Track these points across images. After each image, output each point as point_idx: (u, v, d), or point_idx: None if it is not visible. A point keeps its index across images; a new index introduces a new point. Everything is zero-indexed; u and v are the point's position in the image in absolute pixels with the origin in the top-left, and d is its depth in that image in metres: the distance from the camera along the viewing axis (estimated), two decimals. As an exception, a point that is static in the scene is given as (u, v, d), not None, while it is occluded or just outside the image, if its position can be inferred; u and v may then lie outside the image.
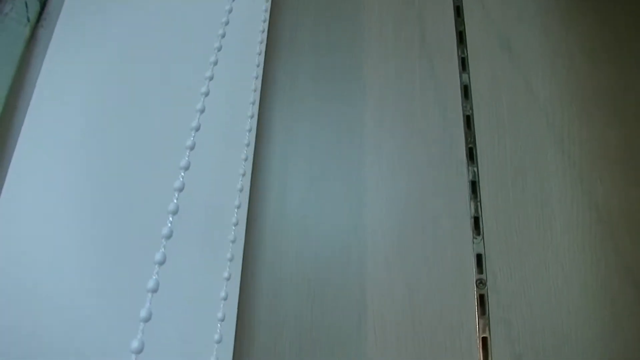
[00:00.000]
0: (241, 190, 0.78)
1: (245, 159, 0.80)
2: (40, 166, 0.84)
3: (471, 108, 0.84)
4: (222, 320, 0.69)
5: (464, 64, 0.88)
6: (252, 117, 0.86)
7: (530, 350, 0.72)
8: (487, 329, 0.73)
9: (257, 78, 0.89)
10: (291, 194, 0.86)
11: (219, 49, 0.73)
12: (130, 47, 0.95)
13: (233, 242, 0.74)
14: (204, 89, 0.66)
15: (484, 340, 0.73)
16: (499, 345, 0.72)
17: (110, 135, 0.87)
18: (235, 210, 0.76)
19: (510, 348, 0.72)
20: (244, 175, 0.80)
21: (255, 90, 0.87)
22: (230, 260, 0.73)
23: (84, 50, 0.94)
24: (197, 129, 0.63)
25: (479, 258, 0.76)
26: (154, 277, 0.51)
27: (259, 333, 0.76)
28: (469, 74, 0.86)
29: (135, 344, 0.47)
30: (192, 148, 0.61)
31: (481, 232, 0.77)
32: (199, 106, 0.65)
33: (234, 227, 0.75)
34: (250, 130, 0.84)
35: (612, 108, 0.83)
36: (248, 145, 0.82)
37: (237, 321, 0.76)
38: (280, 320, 0.77)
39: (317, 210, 0.84)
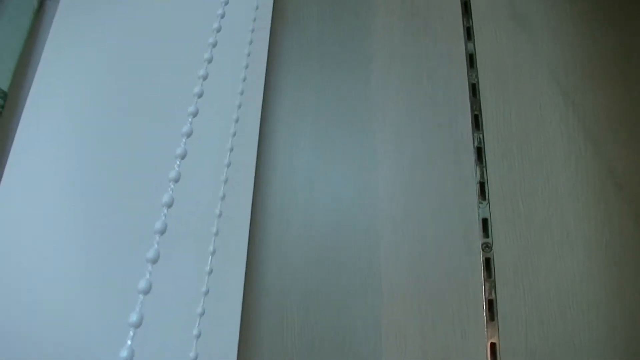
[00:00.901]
0: (228, 166, 0.76)
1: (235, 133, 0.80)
2: (35, 165, 0.83)
3: (476, 76, 0.85)
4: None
5: (469, 33, 0.88)
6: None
7: (535, 312, 0.73)
8: (493, 291, 0.74)
9: (250, 43, 0.88)
10: (298, 161, 0.86)
11: (223, 16, 0.73)
12: (128, 44, 0.94)
13: (219, 216, 0.73)
14: (202, 72, 0.63)
15: (490, 302, 0.74)
16: (504, 307, 0.73)
17: (105, 133, 0.87)
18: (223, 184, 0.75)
19: (515, 310, 0.73)
20: (231, 150, 0.78)
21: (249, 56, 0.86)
22: (216, 234, 0.72)
23: (80, 46, 0.93)
24: (195, 115, 0.60)
25: (485, 222, 0.77)
26: (147, 278, 0.47)
27: (267, 297, 0.77)
28: (474, 43, 0.87)
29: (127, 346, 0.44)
30: (189, 135, 0.58)
31: (487, 197, 0.78)
32: (196, 90, 0.63)
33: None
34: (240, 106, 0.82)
35: (617, 72, 0.83)
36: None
37: (244, 286, 0.76)
38: (287, 285, 0.78)
39: (324, 177, 0.84)
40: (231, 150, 0.78)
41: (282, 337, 0.75)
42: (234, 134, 0.80)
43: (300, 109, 0.90)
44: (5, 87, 0.76)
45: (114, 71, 0.92)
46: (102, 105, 0.89)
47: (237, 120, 0.81)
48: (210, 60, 0.66)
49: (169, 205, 0.51)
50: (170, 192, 0.52)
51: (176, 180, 0.53)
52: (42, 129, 0.84)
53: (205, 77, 0.65)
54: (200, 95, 0.62)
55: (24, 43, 0.82)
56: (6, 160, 0.80)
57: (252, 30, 0.90)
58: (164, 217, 0.50)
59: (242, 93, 0.84)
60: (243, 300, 0.76)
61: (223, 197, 0.75)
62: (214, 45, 0.67)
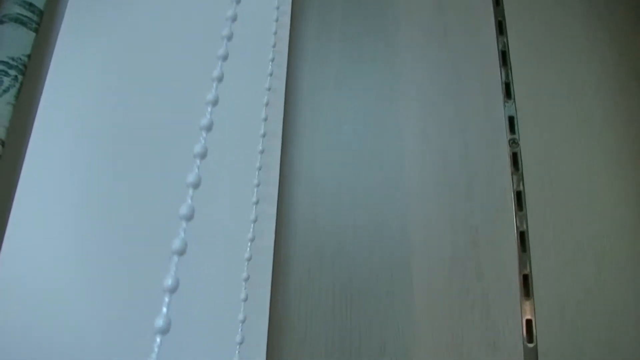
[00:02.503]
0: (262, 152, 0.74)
1: (265, 119, 0.77)
2: (51, 166, 0.75)
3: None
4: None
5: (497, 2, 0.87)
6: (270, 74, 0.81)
7: (564, 207, 0.73)
8: (521, 183, 0.75)
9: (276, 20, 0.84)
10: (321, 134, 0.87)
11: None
12: (140, 36, 0.85)
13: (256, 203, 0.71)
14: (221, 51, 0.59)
15: (519, 195, 0.75)
16: (533, 200, 0.74)
17: (120, 128, 0.79)
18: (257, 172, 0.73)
19: (543, 202, 0.74)
20: (263, 136, 0.76)
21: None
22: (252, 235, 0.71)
23: (93, 42, 0.83)
24: (215, 104, 0.55)
25: (511, 120, 0.78)
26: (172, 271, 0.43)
27: (296, 258, 0.79)
28: (503, 9, 0.86)
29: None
30: (215, 102, 0.52)
31: (512, 96, 0.79)
32: (216, 73, 0.58)
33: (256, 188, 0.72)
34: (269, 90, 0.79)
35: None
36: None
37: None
38: (318, 246, 0.79)
39: (349, 113, 0.86)
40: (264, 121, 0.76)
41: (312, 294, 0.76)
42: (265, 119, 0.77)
43: (322, 76, 0.89)
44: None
45: (129, 66, 0.84)
46: (120, 97, 0.81)
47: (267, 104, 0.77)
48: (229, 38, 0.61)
49: (196, 186, 0.44)
50: (197, 170, 0.45)
51: (203, 157, 0.46)
52: (59, 126, 0.76)
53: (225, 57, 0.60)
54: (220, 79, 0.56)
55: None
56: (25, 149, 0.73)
57: (277, 7, 0.87)
58: (189, 200, 0.44)
59: (271, 74, 0.79)
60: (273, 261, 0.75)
61: (260, 168, 0.74)
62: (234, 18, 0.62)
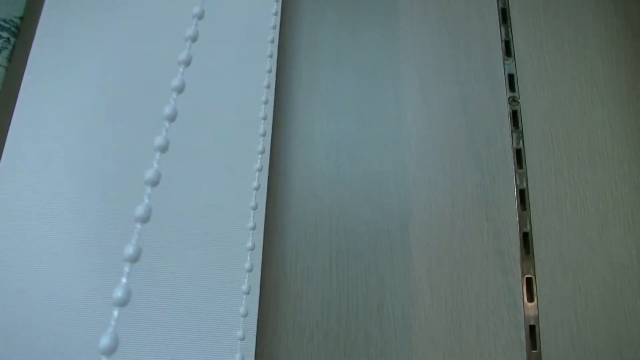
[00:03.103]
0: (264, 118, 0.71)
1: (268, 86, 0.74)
2: (34, 162, 0.72)
3: None
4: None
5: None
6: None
7: (566, 162, 0.72)
8: (520, 140, 0.74)
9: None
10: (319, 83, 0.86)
11: None
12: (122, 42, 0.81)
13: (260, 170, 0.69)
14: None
15: (518, 152, 0.73)
16: (533, 157, 0.72)
17: (108, 131, 0.76)
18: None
19: (545, 158, 0.72)
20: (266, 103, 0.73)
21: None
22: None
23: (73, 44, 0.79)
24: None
25: (511, 78, 0.77)
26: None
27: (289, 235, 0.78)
28: None
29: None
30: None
31: (512, 54, 0.77)
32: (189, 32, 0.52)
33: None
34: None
35: None
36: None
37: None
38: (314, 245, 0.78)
39: (346, 92, 0.84)
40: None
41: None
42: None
43: (320, 33, 0.88)
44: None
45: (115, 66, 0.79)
46: (105, 98, 0.77)
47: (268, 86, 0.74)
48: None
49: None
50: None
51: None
52: (37, 127, 0.72)
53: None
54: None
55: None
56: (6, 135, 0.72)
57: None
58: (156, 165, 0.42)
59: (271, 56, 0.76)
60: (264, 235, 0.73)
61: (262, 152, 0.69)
62: None
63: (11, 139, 0.70)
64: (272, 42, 0.72)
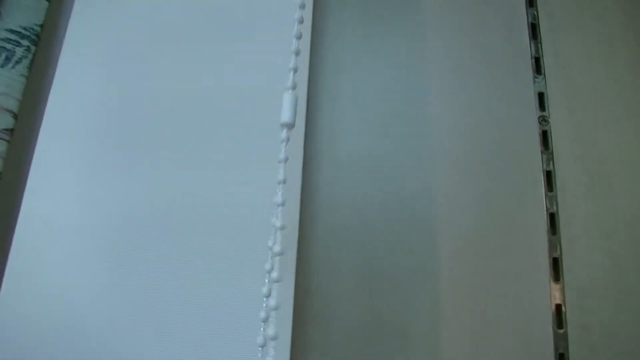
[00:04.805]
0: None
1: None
2: (60, 166, 0.71)
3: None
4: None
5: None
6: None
7: (597, 178, 0.70)
8: (551, 162, 0.72)
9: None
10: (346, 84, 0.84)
11: None
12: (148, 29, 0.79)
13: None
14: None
15: (548, 174, 0.71)
16: (563, 178, 0.70)
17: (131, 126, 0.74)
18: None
19: (576, 179, 0.70)
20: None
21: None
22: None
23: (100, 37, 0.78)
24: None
25: (541, 96, 0.75)
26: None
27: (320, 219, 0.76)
28: None
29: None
30: None
31: (542, 72, 0.75)
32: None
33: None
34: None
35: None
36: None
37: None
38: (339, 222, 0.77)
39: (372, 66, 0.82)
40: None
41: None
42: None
43: (342, 48, 0.86)
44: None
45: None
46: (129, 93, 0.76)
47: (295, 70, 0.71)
48: None
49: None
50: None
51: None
52: (66, 126, 0.71)
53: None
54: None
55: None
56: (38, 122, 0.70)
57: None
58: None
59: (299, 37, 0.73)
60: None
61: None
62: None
63: (40, 144, 0.69)
64: (297, 54, 0.70)
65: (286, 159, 0.63)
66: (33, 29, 0.71)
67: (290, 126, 0.63)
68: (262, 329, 0.48)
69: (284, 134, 0.64)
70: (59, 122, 0.71)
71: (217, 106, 0.72)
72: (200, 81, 0.73)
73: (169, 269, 0.64)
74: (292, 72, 0.68)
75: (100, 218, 0.67)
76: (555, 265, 0.67)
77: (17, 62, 0.69)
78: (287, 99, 0.57)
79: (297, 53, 0.66)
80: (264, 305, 0.48)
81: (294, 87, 0.67)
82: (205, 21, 0.77)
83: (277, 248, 0.52)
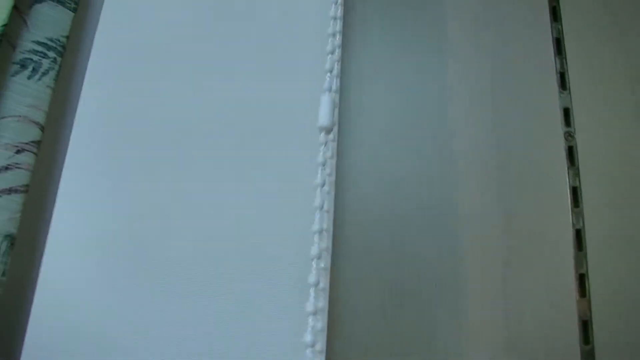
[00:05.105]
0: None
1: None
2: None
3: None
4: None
5: None
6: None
7: (624, 194, 0.70)
8: (577, 179, 0.72)
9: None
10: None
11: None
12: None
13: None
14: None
15: (574, 190, 0.72)
16: (589, 195, 0.71)
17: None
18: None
19: (601, 195, 0.71)
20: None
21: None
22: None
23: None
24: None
25: (566, 112, 0.75)
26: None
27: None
28: None
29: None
30: None
31: (567, 86, 0.76)
32: None
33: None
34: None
35: None
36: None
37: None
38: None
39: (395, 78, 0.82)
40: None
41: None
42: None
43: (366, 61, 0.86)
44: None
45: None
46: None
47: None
48: None
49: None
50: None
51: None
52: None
53: None
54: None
55: None
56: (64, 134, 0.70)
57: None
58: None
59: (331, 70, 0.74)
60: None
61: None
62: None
63: (70, 156, 0.69)
64: (331, 71, 0.70)
65: (324, 162, 0.63)
66: (59, 40, 0.71)
67: (329, 130, 0.63)
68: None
69: (322, 137, 0.64)
70: (89, 133, 0.70)
71: (251, 115, 0.72)
72: (231, 89, 0.73)
73: (205, 284, 0.64)
74: (328, 74, 0.68)
75: (132, 230, 0.67)
76: (582, 281, 0.68)
77: (44, 74, 0.68)
78: (325, 101, 0.57)
79: (331, 70, 0.66)
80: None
81: (330, 89, 0.67)
82: (236, 26, 0.77)
83: (324, 263, 0.52)
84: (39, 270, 0.66)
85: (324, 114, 0.59)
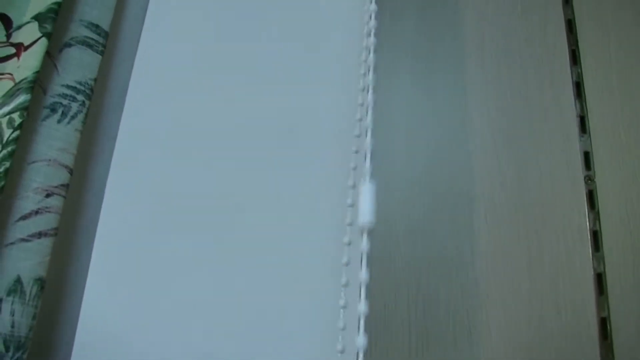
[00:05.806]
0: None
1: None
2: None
3: (572, 13, 0.83)
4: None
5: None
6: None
7: (643, 242, 0.72)
8: (597, 222, 0.73)
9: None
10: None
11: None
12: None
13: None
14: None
15: (595, 234, 0.73)
16: (609, 238, 0.72)
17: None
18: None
19: (622, 239, 0.72)
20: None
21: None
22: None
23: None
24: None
25: (587, 155, 0.76)
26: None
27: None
28: (576, 36, 0.83)
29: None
30: None
31: (587, 130, 0.77)
32: None
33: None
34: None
35: None
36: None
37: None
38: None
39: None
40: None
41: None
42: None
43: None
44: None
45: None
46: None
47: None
48: None
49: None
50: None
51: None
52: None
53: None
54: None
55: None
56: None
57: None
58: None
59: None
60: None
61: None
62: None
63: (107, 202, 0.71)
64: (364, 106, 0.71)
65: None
66: (88, 83, 0.71)
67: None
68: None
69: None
70: (126, 175, 0.72)
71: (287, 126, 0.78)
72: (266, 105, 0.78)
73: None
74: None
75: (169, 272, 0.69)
76: (603, 324, 0.69)
77: (73, 117, 0.69)
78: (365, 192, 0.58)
79: (364, 106, 0.68)
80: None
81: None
82: (271, 41, 0.83)
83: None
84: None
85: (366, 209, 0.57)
